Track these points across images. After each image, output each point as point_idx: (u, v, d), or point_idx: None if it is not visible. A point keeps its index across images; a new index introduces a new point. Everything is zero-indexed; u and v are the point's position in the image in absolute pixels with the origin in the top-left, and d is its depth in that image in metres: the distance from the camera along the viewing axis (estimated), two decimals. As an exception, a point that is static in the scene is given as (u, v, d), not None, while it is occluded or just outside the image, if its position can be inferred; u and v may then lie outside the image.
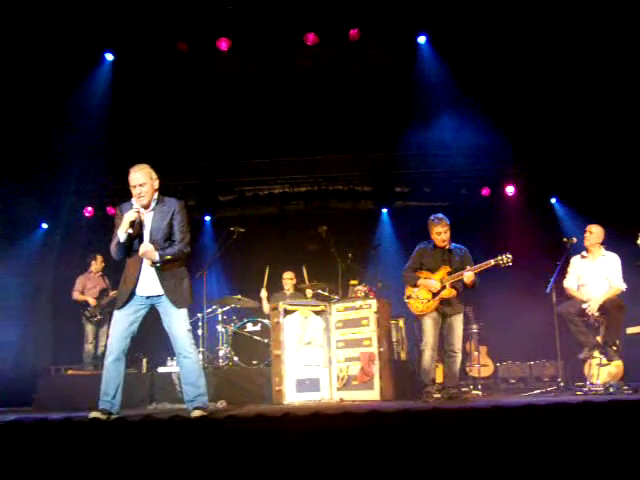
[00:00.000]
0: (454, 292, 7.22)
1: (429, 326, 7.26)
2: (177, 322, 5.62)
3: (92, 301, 10.28)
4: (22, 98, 10.46)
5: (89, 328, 10.30)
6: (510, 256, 7.07)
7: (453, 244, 7.49)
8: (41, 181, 11.74)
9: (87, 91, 10.77)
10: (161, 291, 5.57)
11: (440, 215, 7.42)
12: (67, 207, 12.48)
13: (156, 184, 5.66)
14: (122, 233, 5.47)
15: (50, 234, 12.44)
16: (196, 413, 5.45)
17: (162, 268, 5.56)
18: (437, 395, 7.53)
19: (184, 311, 5.67)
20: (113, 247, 5.63)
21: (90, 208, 12.54)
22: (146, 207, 5.61)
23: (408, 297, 7.50)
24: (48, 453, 3.27)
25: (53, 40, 9.73)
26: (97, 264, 10.57)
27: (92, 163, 11.50)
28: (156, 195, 5.69)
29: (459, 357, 7.27)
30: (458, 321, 7.32)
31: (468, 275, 7.10)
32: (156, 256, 5.48)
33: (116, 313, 5.64)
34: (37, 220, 12.40)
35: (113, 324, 5.65)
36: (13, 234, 12.08)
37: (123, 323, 5.58)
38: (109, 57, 10.66)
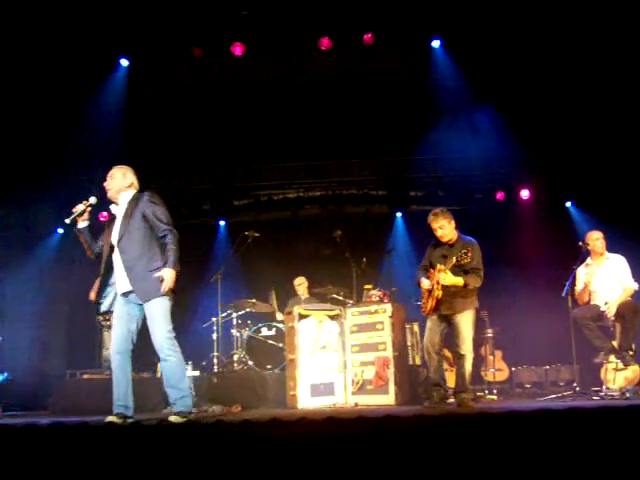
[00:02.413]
0: (440, 293, 6.78)
1: (427, 329, 7.08)
2: (153, 321, 5.53)
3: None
4: (38, 103, 10.53)
5: (106, 334, 10.19)
6: (465, 250, 6.59)
7: (464, 237, 7.05)
8: (57, 186, 11.79)
9: (102, 97, 10.84)
10: (130, 287, 5.57)
11: (437, 210, 7.07)
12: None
13: (126, 182, 5.85)
14: (73, 222, 5.86)
15: (66, 239, 12.48)
16: (173, 419, 5.35)
17: (130, 264, 5.57)
18: (451, 399, 7.47)
19: (160, 309, 5.52)
20: (82, 244, 5.94)
21: (105, 213, 12.56)
22: (114, 200, 5.85)
23: (419, 299, 7.39)
24: (64, 457, 3.28)
25: (69, 47, 9.78)
26: None
27: (108, 168, 11.54)
28: (130, 192, 5.85)
29: (466, 359, 6.80)
30: (461, 321, 6.82)
31: (441, 276, 6.71)
32: (171, 271, 5.53)
33: (114, 313, 5.73)
34: (52, 225, 12.46)
35: (112, 326, 5.74)
36: (29, 239, 12.15)
37: (119, 324, 5.63)
38: (124, 62, 10.71)
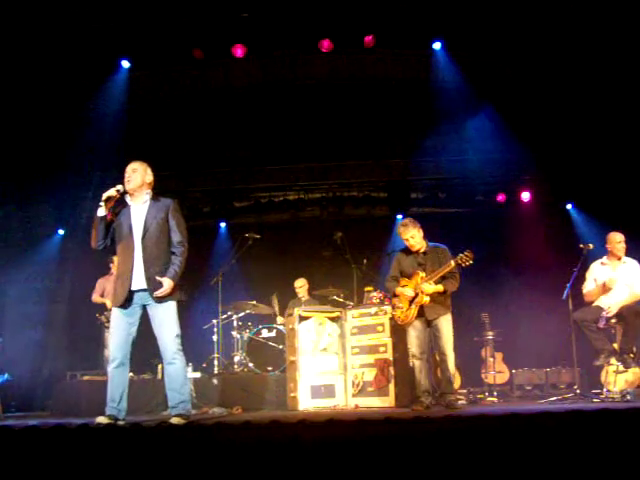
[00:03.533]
0: (427, 299, 6.88)
1: (412, 336, 7.08)
2: (163, 323, 5.54)
3: (109, 304, 10.12)
4: (39, 104, 10.52)
5: (107, 334, 10.16)
6: (469, 254, 6.70)
7: (431, 244, 7.18)
8: (57, 187, 11.78)
9: (103, 98, 10.84)
10: (144, 285, 5.53)
11: (406, 220, 7.18)
12: (85, 213, 12.52)
13: (148, 178, 5.77)
14: (100, 207, 5.65)
15: (66, 240, 12.48)
16: (175, 420, 5.35)
17: (149, 263, 5.55)
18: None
19: (172, 312, 5.57)
20: (92, 230, 5.76)
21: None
22: (131, 194, 5.72)
23: (392, 307, 7.39)
24: (63, 459, 3.28)
25: (70, 48, 9.78)
26: (115, 265, 10.46)
27: (110, 168, 11.53)
28: (149, 191, 5.79)
29: (450, 360, 6.94)
30: (443, 323, 6.96)
31: (425, 287, 6.83)
32: (170, 282, 5.52)
33: (114, 313, 5.64)
34: (53, 226, 12.45)
35: (112, 328, 5.64)
36: (30, 240, 12.13)
37: (122, 326, 5.57)
38: (125, 64, 10.70)
